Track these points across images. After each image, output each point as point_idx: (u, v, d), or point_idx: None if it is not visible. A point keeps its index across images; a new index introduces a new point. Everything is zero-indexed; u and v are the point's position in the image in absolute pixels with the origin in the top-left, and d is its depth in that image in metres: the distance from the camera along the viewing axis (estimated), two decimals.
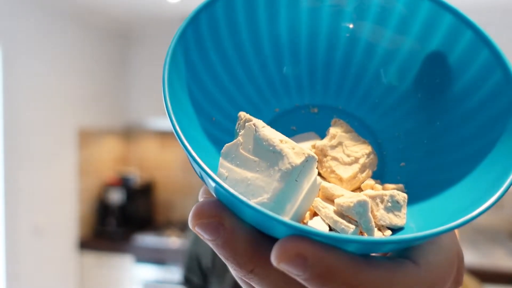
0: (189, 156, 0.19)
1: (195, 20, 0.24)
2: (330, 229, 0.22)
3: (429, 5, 0.26)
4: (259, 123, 0.22)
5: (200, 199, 0.23)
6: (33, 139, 1.89)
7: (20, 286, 1.83)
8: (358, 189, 0.26)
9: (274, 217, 0.17)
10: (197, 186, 2.41)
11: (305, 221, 0.22)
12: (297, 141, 0.25)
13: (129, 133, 2.59)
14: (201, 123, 0.25)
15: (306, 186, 0.21)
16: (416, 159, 0.27)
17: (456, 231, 0.24)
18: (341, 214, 0.22)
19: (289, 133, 0.28)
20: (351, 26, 0.28)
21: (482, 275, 1.59)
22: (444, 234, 0.21)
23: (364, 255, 0.19)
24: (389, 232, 0.23)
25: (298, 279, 0.18)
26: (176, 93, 0.23)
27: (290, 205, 0.20)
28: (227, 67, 0.27)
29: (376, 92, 0.29)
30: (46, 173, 1.97)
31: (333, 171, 0.26)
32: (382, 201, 0.23)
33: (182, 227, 2.26)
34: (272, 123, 0.29)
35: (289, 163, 0.20)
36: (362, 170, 0.26)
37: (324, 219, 0.22)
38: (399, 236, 0.18)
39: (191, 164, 0.21)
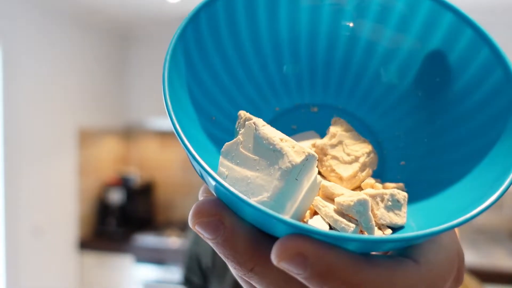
0: (189, 155, 0.19)
1: (195, 18, 0.24)
2: (330, 228, 0.22)
3: (429, 3, 0.26)
4: (259, 121, 0.22)
5: (200, 198, 0.22)
6: (33, 139, 1.89)
7: (20, 286, 1.83)
8: (358, 188, 0.26)
9: (274, 215, 0.17)
10: (197, 186, 2.41)
11: (305, 220, 0.22)
12: (297, 140, 0.25)
13: (129, 133, 2.59)
14: (201, 122, 0.25)
15: (306, 184, 0.21)
16: (417, 158, 0.27)
17: (456, 230, 0.24)
18: (341, 213, 0.22)
19: (289, 132, 0.28)
20: (351, 24, 0.28)
21: (482, 275, 1.59)
22: (445, 232, 0.21)
23: (364, 254, 0.19)
24: (389, 231, 0.23)
25: (299, 277, 0.18)
26: (176, 92, 0.22)
27: (290, 204, 0.20)
28: (227, 66, 0.27)
29: (376, 91, 0.29)
30: (46, 173, 1.97)
31: (333, 170, 0.26)
32: (382, 200, 0.23)
33: (182, 227, 2.26)
34: (272, 122, 0.29)
35: (289, 161, 0.20)
36: (362, 169, 0.26)
37: (324, 218, 0.22)
38: (399, 234, 0.18)
39: (191, 163, 0.21)
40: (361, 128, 0.29)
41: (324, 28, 0.28)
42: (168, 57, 0.22)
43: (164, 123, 2.37)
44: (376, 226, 0.23)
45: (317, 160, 0.22)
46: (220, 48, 0.26)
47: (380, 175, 0.28)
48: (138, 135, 2.58)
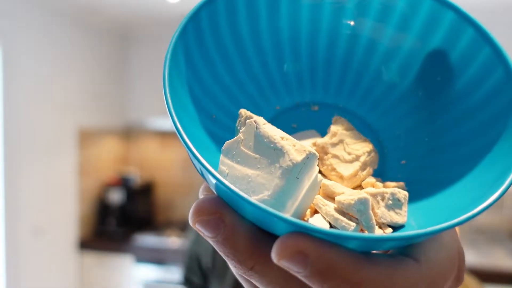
0: (189, 153, 0.19)
1: (196, 17, 0.24)
2: (331, 226, 0.22)
3: (430, 2, 0.26)
4: (260, 120, 0.22)
5: (201, 196, 0.22)
6: (33, 139, 1.89)
7: (20, 286, 1.83)
8: (359, 187, 0.26)
9: (274, 213, 0.17)
10: (197, 186, 2.41)
11: (306, 218, 0.22)
12: (298, 139, 0.25)
13: (129, 133, 2.59)
14: (201, 120, 0.25)
15: (307, 183, 0.21)
16: (417, 157, 0.27)
17: (456, 229, 0.24)
18: (342, 211, 0.22)
19: (290, 131, 0.28)
20: (352, 23, 0.28)
21: (482, 275, 1.59)
22: (445, 231, 0.21)
23: (365, 253, 0.19)
24: (389, 230, 0.23)
25: (299, 276, 0.17)
26: (177, 91, 0.22)
27: (291, 202, 0.20)
28: (227, 64, 0.27)
29: (377, 90, 0.29)
30: (46, 173, 1.96)
31: (334, 169, 0.26)
32: (383, 199, 0.23)
33: (182, 227, 2.26)
34: (272, 121, 0.29)
35: (290, 160, 0.20)
36: (363, 168, 0.26)
37: (325, 216, 0.22)
38: (400, 233, 0.18)
39: (192, 161, 0.21)
40: (362, 127, 0.29)
41: (325, 27, 0.28)
42: (168, 56, 0.22)
43: (164, 123, 2.37)
44: (376, 225, 0.23)
45: (318, 159, 0.22)
46: (220, 47, 0.26)
47: (381, 174, 0.28)
48: (138, 135, 2.58)
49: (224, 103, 0.27)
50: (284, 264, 0.17)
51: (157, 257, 2.07)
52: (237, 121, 0.24)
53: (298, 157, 0.20)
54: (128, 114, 2.51)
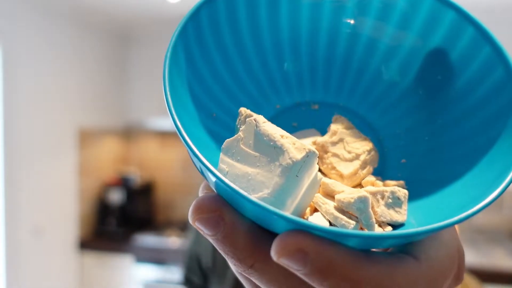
0: (189, 151, 0.19)
1: (196, 15, 0.24)
2: (331, 225, 0.22)
3: (431, 1, 0.26)
4: (260, 118, 0.22)
5: (201, 194, 0.22)
6: (33, 139, 1.89)
7: (20, 286, 1.83)
8: (359, 185, 0.26)
9: (274, 211, 0.17)
10: (197, 186, 2.41)
11: (305, 217, 0.22)
12: (298, 137, 0.25)
13: (129, 133, 2.59)
14: (201, 119, 0.25)
15: (306, 181, 0.21)
16: (417, 155, 0.27)
17: (456, 227, 0.24)
18: (341, 210, 0.22)
19: (290, 130, 0.28)
20: (352, 22, 0.28)
21: (482, 275, 1.59)
22: (445, 230, 0.21)
23: (364, 251, 0.19)
24: (389, 228, 0.23)
25: (298, 274, 0.17)
26: (177, 89, 0.22)
27: (291, 200, 0.20)
28: (227, 63, 0.27)
29: (377, 88, 0.29)
30: (46, 173, 1.96)
31: (334, 168, 0.26)
32: (382, 197, 0.23)
33: (182, 227, 2.26)
34: (273, 120, 0.29)
35: (290, 158, 0.20)
36: (363, 166, 0.26)
37: (325, 215, 0.22)
38: (399, 231, 0.18)
39: (192, 160, 0.21)
40: (362, 126, 0.29)
41: (325, 25, 0.28)
42: (168, 54, 0.22)
43: (164, 123, 2.37)
44: (376, 223, 0.23)
45: (318, 157, 0.22)
46: (220, 45, 0.26)
47: (381, 172, 0.28)
48: (138, 135, 2.58)
49: (224, 102, 0.27)
50: (284, 262, 0.17)
51: (157, 257, 2.07)
52: (237, 120, 0.24)
53: (298, 155, 0.20)
54: (128, 114, 2.51)
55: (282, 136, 0.21)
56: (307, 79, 0.30)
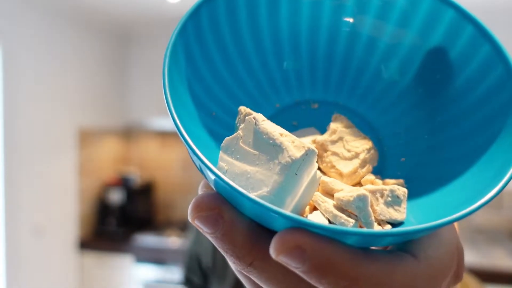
0: (189, 150, 0.19)
1: (196, 14, 0.24)
2: (330, 223, 0.22)
3: None
4: (259, 116, 0.22)
5: (200, 192, 0.22)
6: (33, 139, 1.89)
7: (20, 286, 1.83)
8: (358, 184, 0.26)
9: (273, 209, 0.17)
10: (197, 185, 2.40)
11: (304, 215, 0.22)
12: (297, 136, 0.25)
13: (129, 133, 2.59)
14: (201, 117, 0.25)
15: (306, 179, 0.21)
16: (417, 154, 0.27)
17: (456, 226, 0.24)
18: (340, 208, 0.22)
19: (290, 129, 0.28)
20: (351, 20, 0.28)
21: (482, 275, 1.59)
22: (444, 228, 0.21)
23: (363, 249, 0.19)
24: (388, 226, 0.23)
25: (297, 271, 0.17)
26: (177, 88, 0.22)
27: (290, 199, 0.20)
28: (227, 61, 0.27)
29: (377, 87, 0.29)
30: (46, 173, 1.96)
31: (333, 166, 0.26)
32: (382, 196, 0.23)
33: (182, 227, 2.26)
34: (272, 119, 0.29)
35: (289, 156, 0.20)
36: (362, 165, 0.26)
37: (324, 213, 0.22)
38: (398, 228, 0.18)
39: (192, 158, 0.21)
40: (362, 125, 0.29)
41: (324, 24, 0.28)
42: (168, 53, 0.22)
43: (164, 123, 2.37)
44: (375, 221, 0.23)
45: (317, 156, 0.22)
46: (220, 44, 0.26)
47: (380, 171, 0.28)
48: (138, 135, 2.58)
49: (224, 101, 0.27)
50: (282, 260, 0.17)
51: (157, 257, 2.07)
52: (237, 118, 0.24)
53: (297, 153, 0.20)
54: (128, 114, 2.51)
55: (281, 134, 0.21)
56: (307, 78, 0.30)
